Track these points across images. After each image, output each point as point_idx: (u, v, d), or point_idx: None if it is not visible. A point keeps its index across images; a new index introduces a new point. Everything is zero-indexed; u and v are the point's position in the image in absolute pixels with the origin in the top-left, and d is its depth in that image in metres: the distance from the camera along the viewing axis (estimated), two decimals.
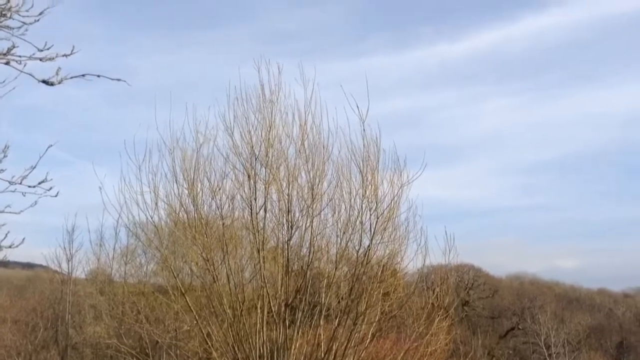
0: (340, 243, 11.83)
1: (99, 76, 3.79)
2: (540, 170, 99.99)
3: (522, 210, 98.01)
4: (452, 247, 12.45)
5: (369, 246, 11.71)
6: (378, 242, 11.81)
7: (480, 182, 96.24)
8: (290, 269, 11.88)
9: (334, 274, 11.91)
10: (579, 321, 57.30)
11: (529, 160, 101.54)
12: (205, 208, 12.01)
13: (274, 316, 11.58)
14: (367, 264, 11.82)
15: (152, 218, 11.89)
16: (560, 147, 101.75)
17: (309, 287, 11.87)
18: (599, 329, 60.33)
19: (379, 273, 11.98)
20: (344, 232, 11.75)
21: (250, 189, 11.80)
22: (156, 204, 11.81)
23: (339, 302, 12.37)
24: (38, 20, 3.76)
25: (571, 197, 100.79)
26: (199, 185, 11.95)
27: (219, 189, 11.95)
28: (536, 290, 65.84)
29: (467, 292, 57.77)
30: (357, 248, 11.79)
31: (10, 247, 4.13)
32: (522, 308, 59.29)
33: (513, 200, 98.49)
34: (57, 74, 3.67)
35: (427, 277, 15.60)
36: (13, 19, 3.71)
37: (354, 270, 11.95)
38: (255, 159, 11.79)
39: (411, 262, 12.60)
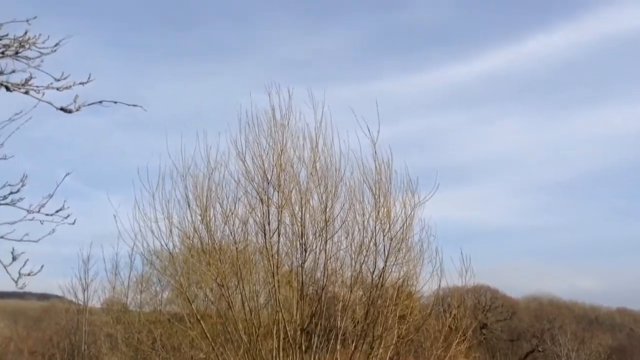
0: (355, 266, 11.80)
1: (115, 102, 3.87)
2: (555, 190, 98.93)
3: (538, 231, 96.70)
4: (469, 268, 12.35)
5: (383, 268, 11.65)
6: (392, 264, 11.75)
7: (495, 203, 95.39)
8: (305, 293, 11.83)
9: (349, 298, 11.84)
10: (599, 342, 56.19)
11: (544, 181, 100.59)
12: (218, 233, 12.06)
13: (290, 341, 11.49)
14: (382, 286, 11.75)
15: (166, 245, 11.96)
16: (575, 166, 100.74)
17: (324, 311, 11.80)
18: (620, 350, 59.09)
19: (395, 295, 11.89)
20: (357, 255, 11.72)
21: (263, 213, 11.84)
22: (170, 230, 11.89)
23: (354, 326, 12.27)
24: (55, 51, 3.87)
25: (588, 216, 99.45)
26: (212, 211, 12.01)
27: (232, 214, 12.00)
28: (555, 311, 64.80)
29: (485, 314, 56.94)
30: (371, 270, 11.74)
31: (29, 274, 4.18)
32: (541, 330, 58.31)
33: (529, 220, 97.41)
34: (74, 101, 3.76)
35: (444, 300, 15.44)
36: (31, 50, 3.83)
37: (369, 293, 11.88)
38: (268, 183, 11.85)
39: (427, 284, 12.51)
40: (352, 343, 11.78)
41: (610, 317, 70.58)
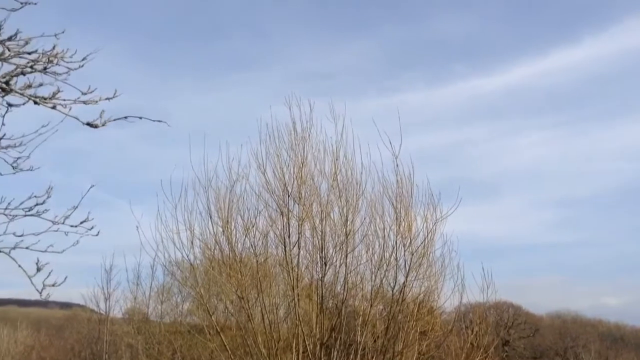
0: (375, 280, 11.72)
1: (140, 118, 3.91)
2: (579, 205, 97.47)
3: (562, 247, 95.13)
4: (491, 284, 12.19)
5: (404, 283, 11.55)
6: (413, 279, 11.65)
7: (516, 217, 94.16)
8: (324, 307, 11.77)
9: (369, 312, 11.75)
10: None
11: (567, 195, 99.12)
12: (239, 246, 12.09)
13: (310, 355, 11.43)
14: (402, 301, 11.64)
15: (187, 256, 12.02)
16: (599, 181, 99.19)
17: (344, 325, 11.73)
18: None
19: (415, 311, 11.77)
20: (378, 269, 11.64)
21: (283, 225, 11.84)
22: (192, 242, 11.95)
23: (374, 341, 12.16)
24: (82, 66, 3.94)
25: (612, 232, 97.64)
26: (233, 223, 12.05)
27: (253, 226, 12.03)
28: (579, 329, 63.58)
29: (507, 331, 56.05)
30: (392, 285, 11.66)
31: (53, 285, 4.22)
32: (564, 347, 57.22)
33: (552, 236, 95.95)
34: (100, 116, 3.81)
35: (465, 316, 15.24)
36: (59, 65, 3.89)
37: (389, 308, 11.78)
38: (288, 196, 11.86)
39: (448, 300, 12.37)
40: (372, 358, 11.67)
41: (636, 336, 68.94)
